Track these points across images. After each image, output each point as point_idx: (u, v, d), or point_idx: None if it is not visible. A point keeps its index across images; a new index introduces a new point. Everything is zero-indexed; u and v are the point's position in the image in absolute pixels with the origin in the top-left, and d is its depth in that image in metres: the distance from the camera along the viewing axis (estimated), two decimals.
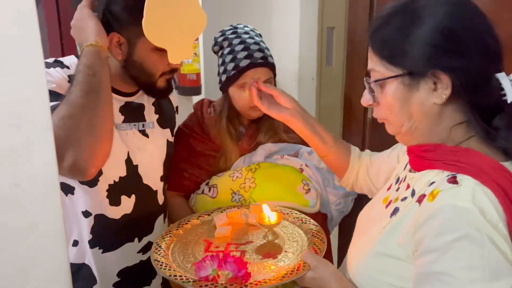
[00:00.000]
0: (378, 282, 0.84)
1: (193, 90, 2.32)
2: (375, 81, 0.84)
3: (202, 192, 1.38)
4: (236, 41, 1.36)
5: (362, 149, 1.77)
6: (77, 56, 1.17)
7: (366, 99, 0.87)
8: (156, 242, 1.14)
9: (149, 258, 1.27)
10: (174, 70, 1.19)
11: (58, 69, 1.11)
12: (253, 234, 1.17)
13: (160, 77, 1.17)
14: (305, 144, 1.48)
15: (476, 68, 0.77)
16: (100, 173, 1.15)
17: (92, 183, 1.15)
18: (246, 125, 1.47)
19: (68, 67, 1.14)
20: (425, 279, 0.74)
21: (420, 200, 0.79)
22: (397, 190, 0.91)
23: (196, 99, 2.30)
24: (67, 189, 1.15)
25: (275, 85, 1.43)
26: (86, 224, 1.18)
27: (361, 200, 1.63)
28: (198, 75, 2.33)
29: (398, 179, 0.94)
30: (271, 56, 1.39)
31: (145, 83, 1.17)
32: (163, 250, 1.10)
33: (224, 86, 1.40)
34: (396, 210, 0.85)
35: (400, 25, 0.79)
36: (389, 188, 0.97)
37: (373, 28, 0.84)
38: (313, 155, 1.41)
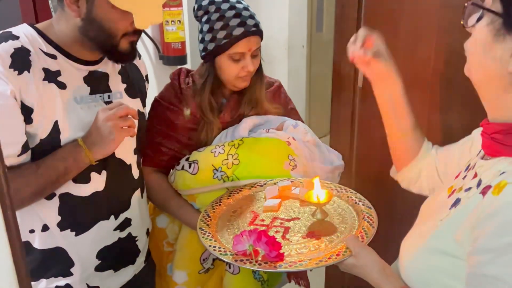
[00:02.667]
0: (431, 281, 0.74)
1: (178, 59, 2.20)
2: (472, 3, 0.71)
3: (182, 168, 1.27)
4: (225, 6, 1.24)
5: (351, 120, 1.70)
6: (32, 26, 1.06)
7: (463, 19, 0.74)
8: (205, 210, 1.12)
9: (129, 235, 1.22)
10: (138, 31, 1.07)
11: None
12: (302, 210, 1.11)
13: (122, 38, 1.05)
14: (289, 116, 1.40)
15: None
16: None
17: None
18: (228, 96, 1.37)
19: (17, 37, 1.01)
20: (476, 281, 0.65)
21: (484, 192, 0.68)
22: (463, 178, 0.79)
23: None
24: None
25: (260, 53, 1.33)
26: (52, 206, 1.08)
27: (343, 176, 1.57)
28: (183, 43, 2.21)
29: (468, 166, 0.82)
30: (259, 22, 1.29)
31: (106, 44, 1.05)
32: (210, 219, 1.08)
33: (211, 55, 1.28)
34: (457, 202, 0.75)
35: None
36: (457, 176, 0.85)
37: None
38: (298, 128, 1.32)
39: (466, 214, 0.70)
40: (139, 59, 1.31)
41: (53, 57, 1.04)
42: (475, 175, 0.75)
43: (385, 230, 0.95)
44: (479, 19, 0.71)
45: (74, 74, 1.07)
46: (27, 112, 0.99)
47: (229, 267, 1.29)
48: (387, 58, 0.99)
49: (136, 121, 1.18)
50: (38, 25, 1.07)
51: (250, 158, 1.25)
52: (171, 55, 2.23)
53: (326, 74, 2.14)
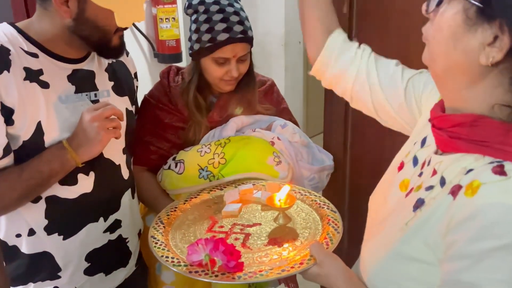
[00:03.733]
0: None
1: (173, 57, 2.19)
2: None
3: (169, 168, 1.26)
4: (214, 7, 1.21)
5: (345, 118, 1.67)
6: (12, 24, 1.03)
7: (425, 4, 0.69)
8: (158, 216, 1.07)
9: (119, 237, 1.20)
10: None
11: None
12: (263, 215, 1.06)
13: (114, 34, 1.04)
14: (281, 116, 1.38)
15: None
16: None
17: None
18: (217, 95, 1.35)
19: None
20: None
21: (454, 192, 0.64)
22: (419, 175, 0.74)
23: None
24: None
25: (251, 58, 1.30)
26: (38, 210, 1.05)
27: (337, 175, 1.55)
28: (178, 41, 2.20)
29: (415, 159, 0.77)
30: (250, 28, 1.25)
31: (99, 42, 1.04)
32: (163, 226, 1.02)
33: (196, 56, 1.26)
34: (420, 203, 0.70)
35: None
36: (400, 168, 0.80)
37: None
38: (286, 129, 1.30)
39: (436, 217, 0.65)
40: (127, 56, 1.28)
41: (35, 55, 1.02)
42: (434, 172, 0.69)
43: None
44: (439, 3, 0.66)
45: (57, 72, 1.05)
46: (7, 113, 0.96)
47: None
48: None
49: (124, 121, 1.17)
50: (18, 24, 1.04)
51: (236, 156, 1.23)
52: (166, 53, 2.22)
53: None
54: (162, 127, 1.31)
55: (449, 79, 0.67)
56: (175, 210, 1.10)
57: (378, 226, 0.80)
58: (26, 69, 0.99)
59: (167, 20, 2.15)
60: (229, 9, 1.21)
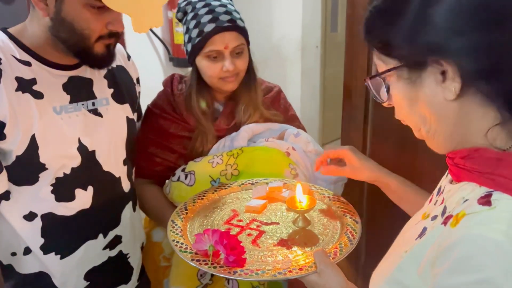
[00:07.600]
0: None
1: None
2: (370, 77, 0.69)
3: (178, 179, 1.19)
4: (200, 4, 1.18)
5: (364, 124, 1.63)
6: (4, 30, 0.96)
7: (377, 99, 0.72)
8: (185, 202, 1.06)
9: (119, 253, 1.14)
10: (114, 34, 0.97)
11: None
12: (285, 215, 1.03)
13: (97, 41, 0.96)
14: (290, 123, 1.32)
15: (494, 46, 0.57)
16: (40, 167, 0.96)
17: (32, 180, 0.96)
18: (223, 102, 1.29)
19: None
20: None
21: (445, 222, 0.63)
22: (434, 204, 0.74)
23: None
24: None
25: (249, 54, 1.25)
26: (34, 228, 0.99)
27: (355, 184, 1.51)
28: None
29: (439, 189, 0.77)
30: (241, 19, 1.19)
31: (78, 47, 0.95)
32: (187, 212, 1.02)
33: (191, 57, 1.20)
34: (423, 231, 0.69)
35: (383, 6, 0.65)
36: (430, 200, 0.81)
37: (365, 16, 0.68)
38: (300, 138, 1.23)
39: (428, 246, 0.64)
40: (128, 60, 1.20)
41: (27, 64, 0.94)
42: (442, 201, 0.69)
43: None
44: (388, 91, 0.68)
45: (51, 81, 0.97)
46: None
47: (228, 283, 1.21)
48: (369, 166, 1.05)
49: (125, 130, 1.11)
50: (11, 29, 0.97)
51: (249, 168, 1.17)
52: (181, 57, 2.21)
53: (340, 75, 2.09)
54: (166, 137, 1.25)
55: (439, 134, 0.67)
56: (202, 198, 1.08)
57: (389, 254, 0.78)
58: (18, 79, 0.92)
59: None
60: (215, 3, 1.17)
